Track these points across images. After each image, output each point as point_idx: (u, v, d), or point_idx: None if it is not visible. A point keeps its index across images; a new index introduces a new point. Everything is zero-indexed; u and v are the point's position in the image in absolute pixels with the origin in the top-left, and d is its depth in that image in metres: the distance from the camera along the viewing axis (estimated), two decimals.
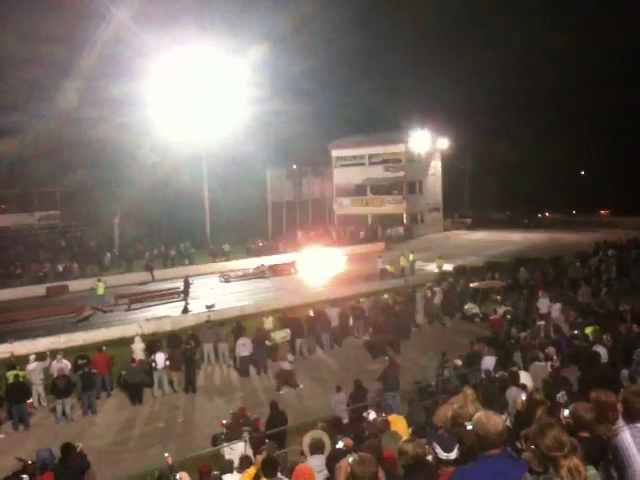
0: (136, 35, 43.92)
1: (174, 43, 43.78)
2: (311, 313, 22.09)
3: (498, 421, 4.01)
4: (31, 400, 16.26)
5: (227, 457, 10.09)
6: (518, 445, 5.05)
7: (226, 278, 36.00)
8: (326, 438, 7.59)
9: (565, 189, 63.27)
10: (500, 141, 64.72)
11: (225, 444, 11.23)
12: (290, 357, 18.71)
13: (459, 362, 14.92)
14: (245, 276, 36.80)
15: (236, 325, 20.69)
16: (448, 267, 34.30)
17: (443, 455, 4.96)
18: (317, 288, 32.30)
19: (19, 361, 17.71)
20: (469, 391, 8.52)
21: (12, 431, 15.21)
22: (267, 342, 19.90)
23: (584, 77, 69.93)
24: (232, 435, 11.80)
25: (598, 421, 4.85)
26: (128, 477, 11.81)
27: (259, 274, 36.95)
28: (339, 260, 39.63)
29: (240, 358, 19.14)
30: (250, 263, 39.68)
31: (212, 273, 37.37)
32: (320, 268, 36.52)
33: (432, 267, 35.46)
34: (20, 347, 20.97)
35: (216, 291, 33.03)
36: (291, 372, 18.13)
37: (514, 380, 9.24)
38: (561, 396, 7.38)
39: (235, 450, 10.78)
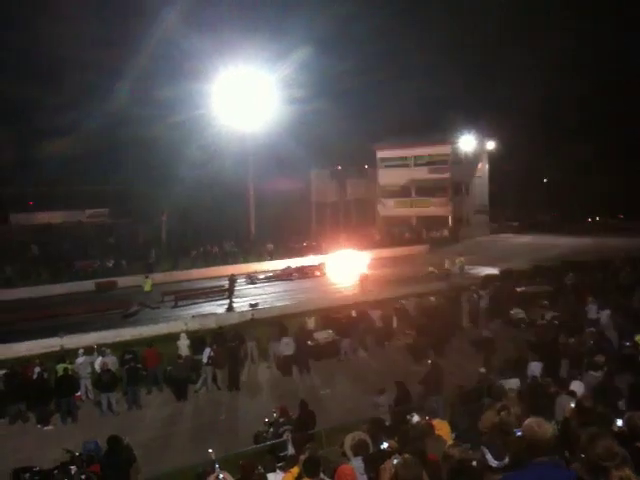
0: (186, 38, 44.86)
1: (222, 45, 44.48)
2: (353, 314, 22.08)
3: (548, 428, 3.92)
4: (79, 393, 16.63)
5: None
6: (567, 454, 4.93)
7: (252, 280, 35.83)
8: (368, 440, 7.55)
9: (611, 193, 61.67)
10: (548, 143, 63.46)
11: None
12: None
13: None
14: (272, 278, 36.60)
15: (279, 324, 20.79)
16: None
17: (494, 463, 4.86)
18: (348, 290, 32.15)
19: (68, 355, 18.21)
20: (511, 394, 8.46)
21: (60, 423, 15.56)
22: (309, 342, 20.01)
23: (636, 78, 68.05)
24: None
25: None
26: (172, 472, 11.97)
27: (286, 276, 36.84)
28: (376, 262, 39.40)
29: (283, 357, 19.23)
30: (292, 263, 39.38)
31: (255, 272, 37.50)
32: (351, 270, 36.41)
33: (477, 270, 35.12)
34: (70, 341, 21.50)
35: (257, 290, 33.25)
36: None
37: (563, 387, 9.07)
38: (622, 404, 7.22)
39: None
